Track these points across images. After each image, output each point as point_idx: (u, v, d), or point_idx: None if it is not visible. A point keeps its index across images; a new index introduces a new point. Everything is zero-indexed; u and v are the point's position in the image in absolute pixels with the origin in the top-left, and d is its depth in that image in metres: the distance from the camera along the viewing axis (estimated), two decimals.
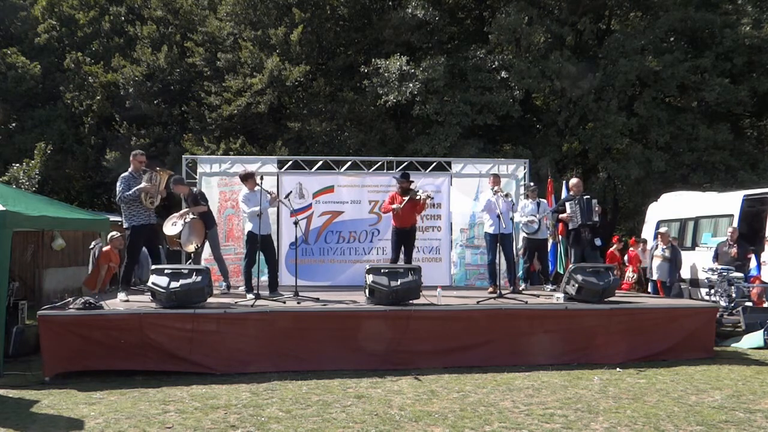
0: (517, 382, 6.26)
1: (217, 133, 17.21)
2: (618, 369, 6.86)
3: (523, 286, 9.27)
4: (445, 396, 5.70)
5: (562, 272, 10.13)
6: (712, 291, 9.97)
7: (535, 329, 7.20)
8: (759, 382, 6.34)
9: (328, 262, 10.08)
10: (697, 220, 12.25)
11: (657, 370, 6.77)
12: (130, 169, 7.58)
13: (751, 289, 9.88)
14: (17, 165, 15.34)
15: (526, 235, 9.55)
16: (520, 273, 9.54)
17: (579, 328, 7.28)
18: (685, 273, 11.38)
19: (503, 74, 16.11)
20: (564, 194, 10.80)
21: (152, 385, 6.05)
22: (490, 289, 8.58)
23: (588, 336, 7.27)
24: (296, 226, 8.39)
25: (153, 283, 6.69)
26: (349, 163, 10.63)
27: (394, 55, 15.88)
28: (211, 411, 5.20)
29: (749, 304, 9.41)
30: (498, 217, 8.24)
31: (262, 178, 7.97)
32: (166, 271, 6.72)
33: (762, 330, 8.43)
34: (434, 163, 10.69)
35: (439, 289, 7.58)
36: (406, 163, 10.56)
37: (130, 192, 7.38)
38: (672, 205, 13.21)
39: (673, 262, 10.73)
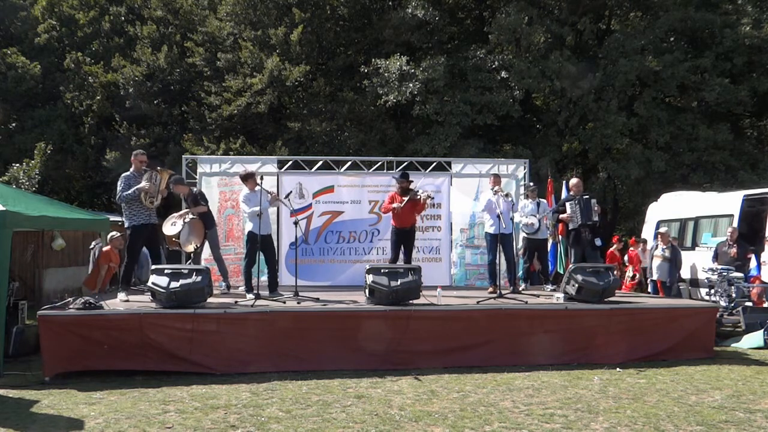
0: (517, 382, 6.26)
1: (217, 133, 17.21)
2: (618, 369, 6.86)
3: (523, 286, 9.28)
4: (445, 396, 5.70)
5: (562, 272, 10.12)
6: (712, 291, 9.97)
7: (535, 329, 7.20)
8: (759, 382, 6.34)
9: (328, 262, 10.09)
10: (697, 220, 12.25)
11: (657, 370, 6.77)
12: (131, 169, 7.59)
13: (751, 289, 9.89)
14: (17, 165, 15.34)
15: (526, 235, 9.55)
16: (520, 273, 9.54)
17: (579, 328, 7.28)
18: (685, 273, 11.38)
19: (503, 74, 16.11)
20: (564, 194, 10.80)
21: (152, 385, 6.05)
22: (490, 289, 8.58)
23: (588, 336, 7.27)
24: (296, 226, 8.39)
25: (153, 283, 6.69)
26: (349, 163, 10.63)
27: (394, 55, 15.88)
28: (211, 411, 5.20)
29: (749, 304, 9.41)
30: (498, 217, 8.24)
31: (262, 178, 7.97)
32: (166, 271, 6.72)
33: (762, 330, 8.43)
34: (434, 163, 10.69)
35: (439, 289, 7.58)
36: (406, 163, 10.55)
37: (130, 191, 7.39)
38: (672, 205, 13.21)
39: (673, 262, 10.73)
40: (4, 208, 6.78)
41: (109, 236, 9.42)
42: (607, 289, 7.53)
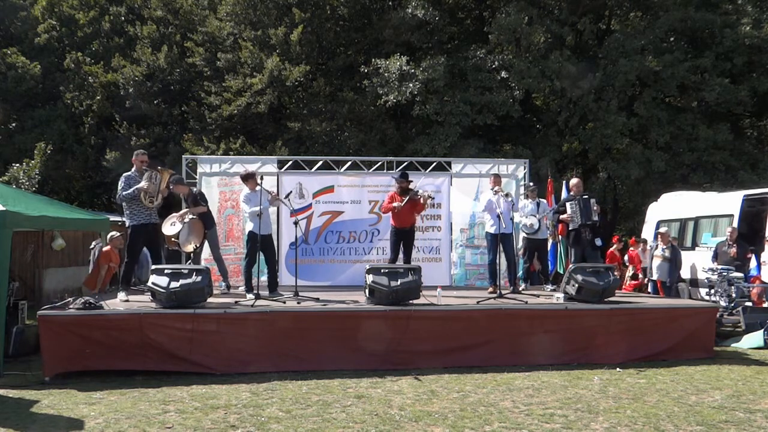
0: (517, 382, 6.26)
1: (217, 133, 17.21)
2: (618, 369, 6.86)
3: (523, 286, 9.28)
4: (445, 396, 5.70)
5: (562, 272, 10.12)
6: (712, 291, 9.97)
7: (535, 329, 7.20)
8: (759, 382, 6.34)
9: (328, 262, 10.08)
10: (697, 220, 12.26)
11: (657, 370, 6.77)
12: (133, 169, 7.61)
13: (751, 289, 9.89)
14: (17, 165, 15.35)
15: (526, 235, 9.56)
16: (520, 273, 9.54)
17: (579, 328, 7.28)
18: (685, 273, 11.38)
19: (503, 74, 16.11)
20: (564, 194, 10.80)
21: (152, 385, 6.05)
22: (490, 289, 8.58)
23: (588, 336, 7.27)
24: (296, 226, 8.39)
25: (153, 283, 6.69)
26: (349, 163, 10.63)
27: (394, 55, 15.88)
28: (211, 411, 5.20)
29: (749, 304, 9.41)
30: (498, 217, 8.24)
31: (262, 178, 7.98)
32: (166, 271, 6.72)
33: (762, 330, 8.43)
34: (434, 163, 10.69)
35: (439, 289, 7.58)
36: (406, 163, 10.55)
37: (129, 191, 7.40)
38: (672, 205, 13.21)
39: (673, 262, 10.73)
40: (4, 208, 6.78)
41: (109, 236, 9.42)
42: (607, 289, 7.53)
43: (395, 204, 8.42)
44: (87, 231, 11.64)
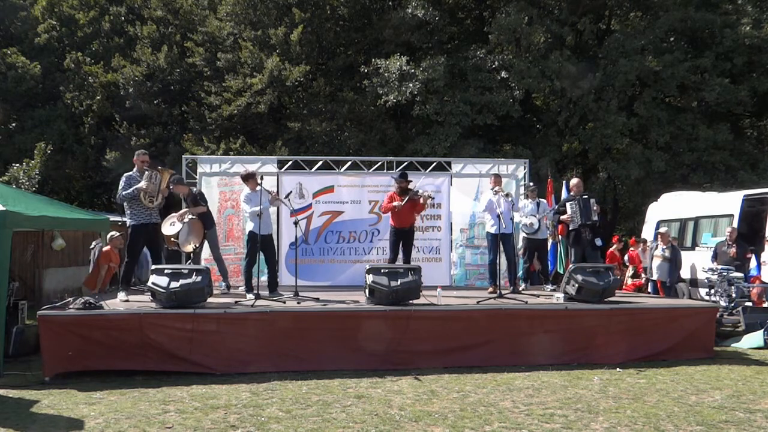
0: (517, 382, 6.26)
1: (217, 133, 17.21)
2: (618, 369, 6.85)
3: (523, 286, 9.27)
4: (445, 396, 5.70)
5: (562, 272, 10.12)
6: (712, 291, 9.97)
7: (535, 329, 7.20)
8: (759, 382, 6.34)
9: (328, 262, 10.08)
10: (697, 220, 12.26)
11: (657, 370, 6.77)
12: (134, 169, 7.62)
13: (751, 289, 9.88)
14: (17, 165, 15.35)
15: (525, 235, 9.55)
16: (520, 273, 9.54)
17: (579, 328, 7.27)
18: (685, 273, 11.38)
19: (503, 74, 16.11)
20: (564, 194, 10.80)
21: (152, 385, 6.05)
22: (490, 289, 8.58)
23: (588, 336, 7.27)
24: (296, 226, 8.39)
25: (153, 283, 6.69)
26: (349, 163, 10.63)
27: (394, 55, 15.88)
28: (211, 411, 5.20)
29: (749, 304, 9.41)
30: (498, 217, 8.24)
31: (262, 178, 7.98)
32: (166, 271, 6.72)
33: (762, 330, 8.43)
34: (434, 163, 10.69)
35: (439, 289, 7.58)
36: (406, 163, 10.55)
37: (129, 191, 7.42)
38: (672, 205, 13.21)
39: (673, 262, 10.73)
40: (4, 208, 6.78)
41: (108, 236, 9.42)
42: (607, 289, 7.53)
43: (395, 203, 8.42)
44: (87, 231, 11.64)
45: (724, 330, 9.17)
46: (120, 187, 7.52)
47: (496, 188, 8.65)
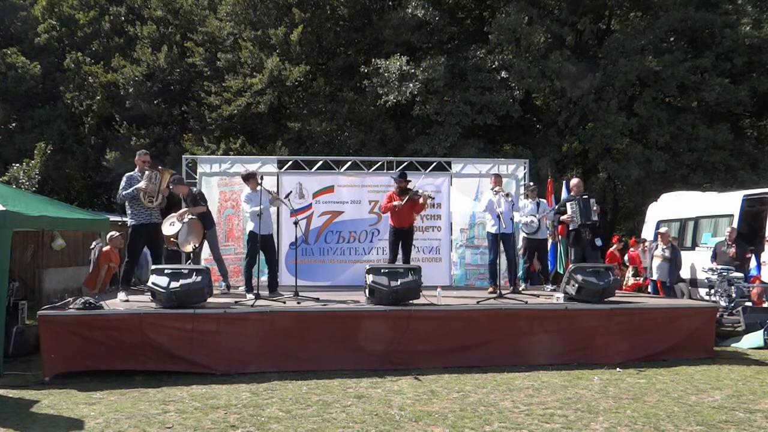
0: (517, 382, 6.26)
1: (217, 133, 17.22)
2: (618, 369, 6.85)
3: (523, 286, 9.27)
4: (445, 396, 5.70)
5: (562, 272, 10.12)
6: (712, 291, 9.97)
7: (535, 329, 7.20)
8: (759, 382, 6.34)
9: (328, 262, 10.08)
10: (697, 220, 12.26)
11: (657, 370, 6.77)
12: (136, 169, 7.63)
13: (751, 289, 9.88)
14: (17, 165, 15.35)
15: (525, 235, 9.55)
16: (520, 273, 9.54)
17: (579, 328, 7.27)
18: (685, 273, 11.38)
19: (503, 74, 16.11)
20: (564, 194, 10.80)
21: (152, 385, 6.05)
22: (490, 289, 8.58)
23: (588, 336, 7.27)
24: (296, 226, 8.39)
25: (153, 283, 6.69)
26: (349, 163, 10.63)
27: (394, 55, 15.88)
28: (211, 411, 5.20)
29: (749, 304, 9.41)
30: (498, 217, 8.24)
31: (262, 178, 7.98)
32: (166, 271, 6.72)
33: (762, 330, 8.43)
34: (434, 163, 10.69)
35: (439, 289, 7.58)
36: (406, 163, 10.54)
37: (129, 191, 7.42)
38: (672, 205, 13.21)
39: (673, 262, 10.73)
40: (4, 208, 6.78)
41: (108, 236, 9.42)
42: (607, 289, 7.52)
43: (396, 203, 8.41)
44: (87, 231, 11.65)
45: (724, 330, 9.17)
46: (121, 187, 7.54)
47: (497, 188, 8.65)
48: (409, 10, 16.42)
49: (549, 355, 7.09)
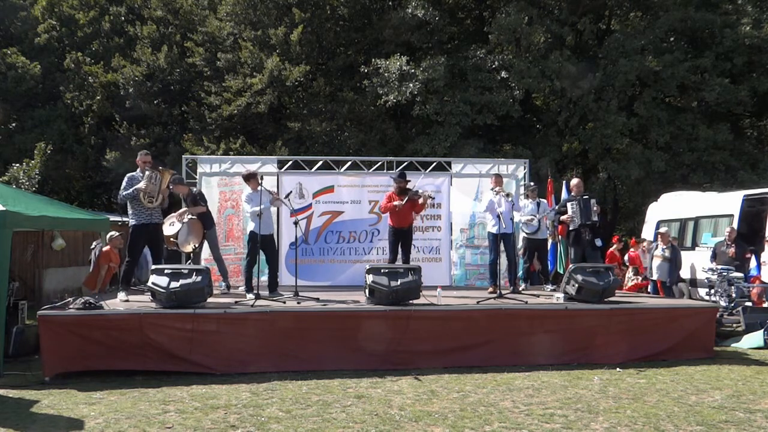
0: (517, 382, 6.26)
1: (217, 133, 17.22)
2: (618, 369, 6.85)
3: (523, 286, 9.27)
4: (445, 396, 5.70)
5: (562, 272, 10.12)
6: (712, 291, 9.97)
7: (535, 329, 7.19)
8: (759, 382, 6.34)
9: (328, 262, 10.08)
10: (697, 220, 12.26)
11: (657, 370, 6.77)
12: (137, 169, 7.63)
13: (751, 289, 9.88)
14: (17, 165, 15.35)
15: (525, 235, 9.55)
16: (520, 273, 9.54)
17: (579, 328, 7.27)
18: (685, 273, 11.38)
19: (503, 74, 16.12)
20: (564, 194, 10.80)
21: (152, 385, 6.05)
22: (490, 289, 8.58)
23: (588, 336, 7.26)
24: (296, 226, 8.39)
25: (153, 283, 6.69)
26: (349, 163, 10.63)
27: (394, 55, 15.89)
28: (211, 411, 5.20)
29: (749, 304, 9.41)
30: (499, 217, 8.24)
31: (262, 178, 7.98)
32: (166, 271, 6.72)
33: (762, 330, 8.43)
34: (434, 163, 10.70)
35: (439, 289, 7.58)
36: (406, 163, 10.55)
37: (129, 191, 7.43)
38: (672, 205, 13.21)
39: (673, 262, 10.73)
40: (4, 208, 6.78)
41: (108, 236, 9.42)
42: (607, 289, 7.52)
43: (396, 203, 8.41)
44: (87, 231, 11.65)
45: (724, 330, 9.16)
46: (122, 187, 7.55)
47: (497, 188, 8.65)
48: (409, 10, 16.43)
49: (549, 355, 7.09)
